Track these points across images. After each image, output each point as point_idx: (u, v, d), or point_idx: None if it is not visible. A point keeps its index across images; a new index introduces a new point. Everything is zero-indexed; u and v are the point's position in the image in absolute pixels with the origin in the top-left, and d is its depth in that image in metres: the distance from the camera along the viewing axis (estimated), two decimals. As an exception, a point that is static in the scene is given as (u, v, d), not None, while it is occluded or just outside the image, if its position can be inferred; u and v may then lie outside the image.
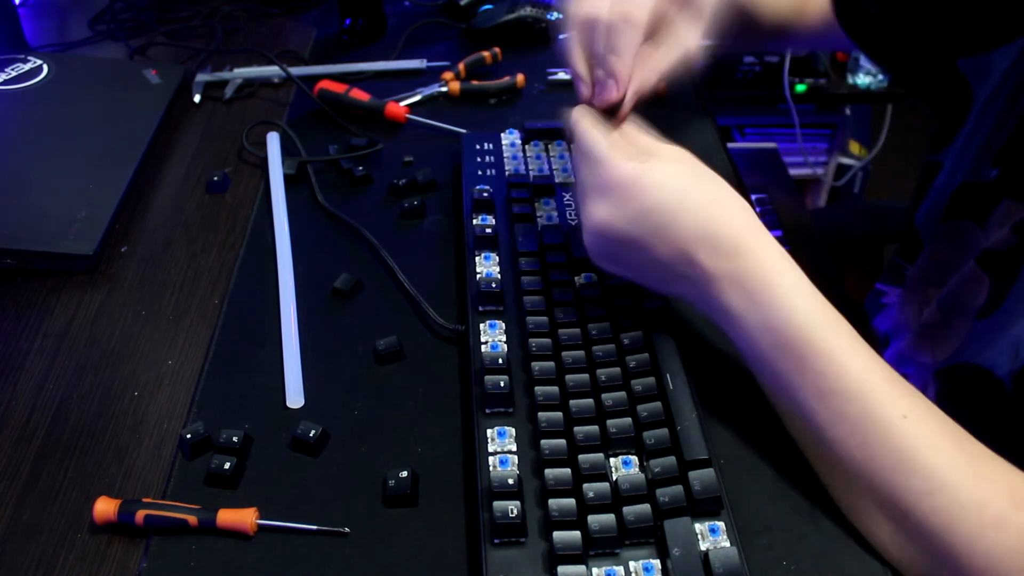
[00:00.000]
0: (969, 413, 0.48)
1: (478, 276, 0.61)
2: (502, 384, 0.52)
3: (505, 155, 0.74)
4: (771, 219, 1.10)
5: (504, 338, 0.57)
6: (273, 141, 0.80)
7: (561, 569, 0.44)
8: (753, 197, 1.12)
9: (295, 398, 0.57)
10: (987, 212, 0.63)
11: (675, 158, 0.52)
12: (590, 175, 0.52)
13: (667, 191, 0.49)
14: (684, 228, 0.49)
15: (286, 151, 0.80)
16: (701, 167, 0.52)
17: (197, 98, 0.90)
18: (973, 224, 0.65)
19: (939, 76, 0.68)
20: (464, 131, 0.79)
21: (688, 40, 0.57)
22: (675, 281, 0.51)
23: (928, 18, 0.65)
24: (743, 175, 0.77)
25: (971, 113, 0.67)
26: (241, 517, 0.49)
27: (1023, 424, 0.48)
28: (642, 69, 0.56)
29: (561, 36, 0.58)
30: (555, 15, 0.98)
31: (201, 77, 0.92)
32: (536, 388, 0.52)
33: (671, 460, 0.49)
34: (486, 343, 0.56)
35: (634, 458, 0.50)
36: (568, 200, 0.68)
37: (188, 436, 0.53)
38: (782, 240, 0.64)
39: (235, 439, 0.53)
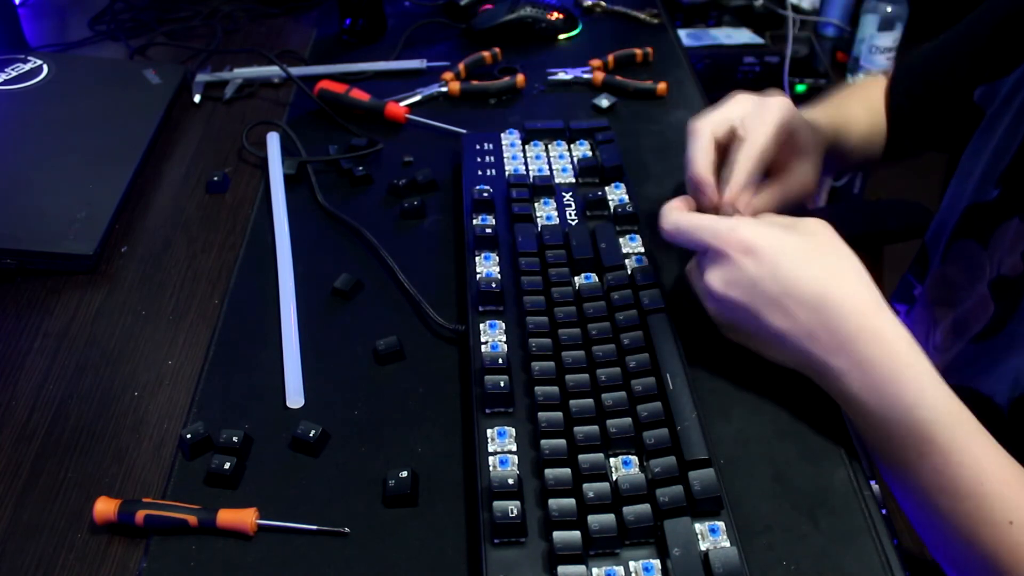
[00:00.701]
0: None
1: (478, 276, 0.61)
2: (502, 384, 0.52)
3: (505, 155, 0.74)
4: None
5: (504, 338, 0.57)
6: (273, 141, 0.80)
7: (561, 569, 0.44)
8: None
9: (295, 398, 0.57)
10: (989, 232, 0.63)
11: (810, 231, 0.51)
12: (711, 244, 0.52)
13: (781, 260, 0.49)
14: (798, 304, 0.49)
15: (286, 151, 0.80)
16: (829, 240, 0.51)
17: (197, 98, 0.90)
18: (976, 244, 0.65)
19: (960, 115, 0.71)
20: (464, 131, 0.79)
21: (803, 179, 0.61)
22: (794, 355, 0.51)
23: (954, 58, 0.71)
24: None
25: (976, 131, 0.68)
26: (241, 517, 0.49)
27: (1019, 450, 0.48)
28: (760, 197, 0.60)
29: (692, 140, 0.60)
30: (556, 15, 0.98)
31: (201, 77, 0.92)
32: (536, 388, 0.52)
33: (671, 460, 0.49)
34: (486, 343, 0.56)
35: (634, 458, 0.50)
36: (568, 200, 0.68)
37: (188, 436, 0.53)
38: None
39: (235, 439, 0.53)
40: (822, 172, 0.64)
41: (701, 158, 0.58)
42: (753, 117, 0.58)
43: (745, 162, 0.57)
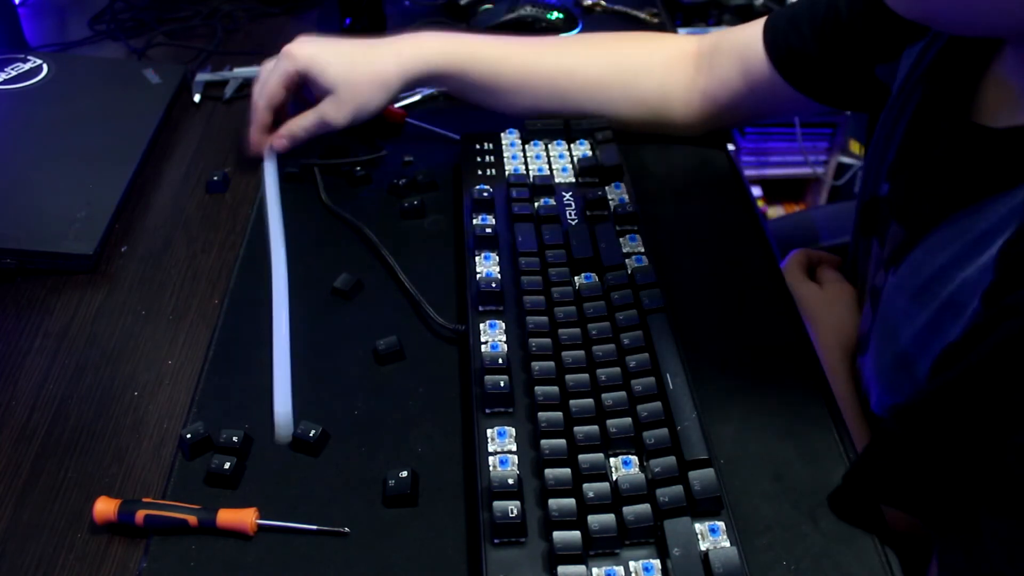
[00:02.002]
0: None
1: (478, 276, 0.61)
2: (502, 384, 0.52)
3: (505, 155, 0.74)
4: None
5: (504, 338, 0.57)
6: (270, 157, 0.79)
7: (561, 569, 0.44)
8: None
9: (283, 433, 0.55)
10: (885, 229, 0.62)
11: (828, 287, 0.73)
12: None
13: (799, 300, 0.67)
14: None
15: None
16: (836, 295, 0.71)
17: (197, 98, 0.90)
18: (877, 241, 0.64)
19: (865, 88, 0.69)
20: (458, 136, 0.79)
21: (326, 112, 0.74)
22: None
23: (852, 32, 0.66)
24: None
25: (881, 116, 0.66)
26: (241, 517, 0.49)
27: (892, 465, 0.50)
28: (283, 128, 0.76)
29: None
30: (556, 14, 0.98)
31: (201, 77, 0.92)
32: (536, 388, 0.52)
33: (671, 460, 0.49)
34: (486, 343, 0.56)
35: (634, 458, 0.50)
36: (568, 200, 0.68)
37: (188, 436, 0.53)
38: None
39: (235, 439, 0.53)
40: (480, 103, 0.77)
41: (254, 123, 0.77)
42: (269, 75, 0.75)
43: (255, 113, 0.76)
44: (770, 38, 0.71)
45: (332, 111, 0.74)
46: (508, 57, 0.76)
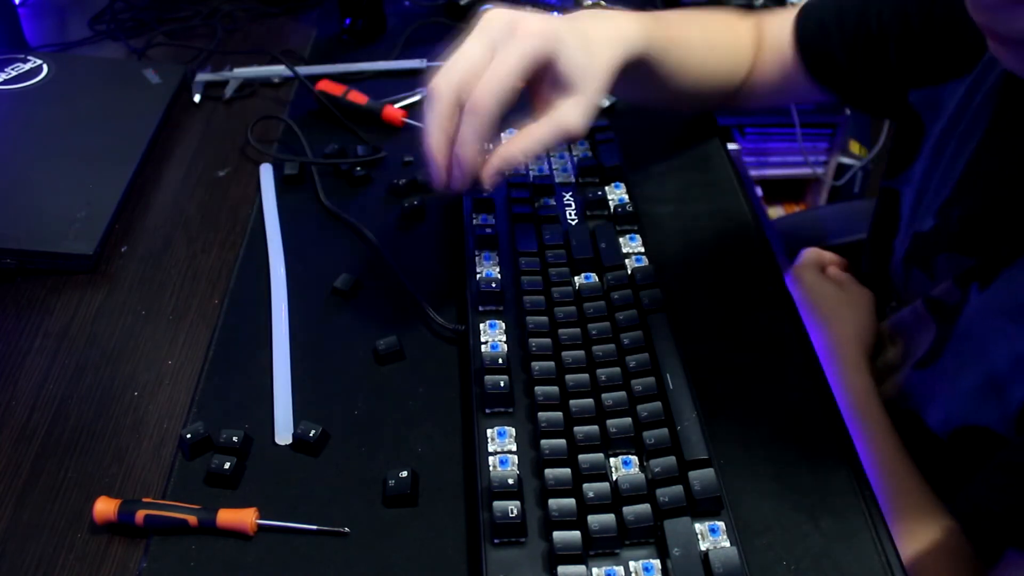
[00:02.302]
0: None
1: (478, 276, 0.61)
2: (502, 384, 0.52)
3: (505, 155, 0.74)
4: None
5: (504, 338, 0.57)
6: (266, 171, 0.79)
7: (561, 569, 0.44)
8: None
9: (284, 435, 0.55)
10: (931, 260, 0.62)
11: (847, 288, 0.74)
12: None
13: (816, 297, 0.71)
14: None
15: (288, 149, 0.80)
16: (856, 297, 0.73)
17: (197, 98, 0.90)
18: (921, 273, 0.65)
19: (894, 108, 0.69)
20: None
21: (565, 119, 0.54)
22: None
23: (888, 51, 0.65)
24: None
25: (923, 147, 0.66)
26: (241, 517, 0.49)
27: (957, 477, 0.53)
28: (508, 145, 0.55)
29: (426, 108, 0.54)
30: (556, 14, 0.98)
31: (201, 77, 0.92)
32: (536, 388, 0.52)
33: (671, 460, 0.49)
34: (486, 343, 0.56)
35: (634, 458, 0.50)
36: (568, 200, 0.68)
37: (188, 436, 0.53)
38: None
39: (235, 439, 0.53)
40: (638, 98, 0.67)
41: (436, 131, 0.53)
42: (495, 59, 0.52)
43: (466, 135, 0.52)
44: (800, 32, 0.70)
45: (572, 114, 0.54)
46: (690, 36, 0.67)
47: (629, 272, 0.60)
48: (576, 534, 0.45)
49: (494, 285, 0.59)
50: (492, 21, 0.53)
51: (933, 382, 0.59)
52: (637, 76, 0.60)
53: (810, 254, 0.79)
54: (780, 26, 0.73)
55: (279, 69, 0.91)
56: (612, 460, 0.50)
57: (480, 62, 0.52)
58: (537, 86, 0.56)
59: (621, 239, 0.64)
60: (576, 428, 0.50)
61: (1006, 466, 0.51)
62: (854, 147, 1.97)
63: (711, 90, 0.72)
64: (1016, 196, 0.55)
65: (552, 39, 0.53)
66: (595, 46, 0.55)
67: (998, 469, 0.51)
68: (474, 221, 0.66)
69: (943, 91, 0.63)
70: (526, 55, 0.52)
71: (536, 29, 0.52)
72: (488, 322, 0.58)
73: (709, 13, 0.73)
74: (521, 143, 0.54)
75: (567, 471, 0.48)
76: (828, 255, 0.79)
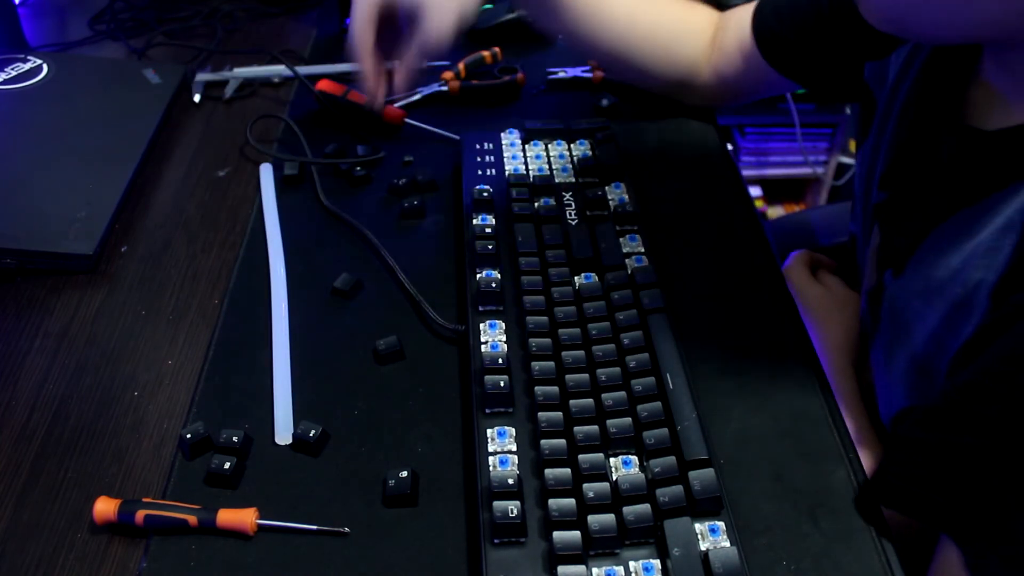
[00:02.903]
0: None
1: (478, 276, 0.61)
2: (502, 384, 0.52)
3: (505, 155, 0.74)
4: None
5: (504, 338, 0.57)
6: (266, 172, 0.79)
7: (561, 569, 0.44)
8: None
9: (284, 435, 0.55)
10: (872, 233, 0.62)
11: (831, 289, 0.74)
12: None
13: (805, 300, 0.72)
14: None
15: (288, 149, 0.80)
16: (843, 300, 0.72)
17: (197, 98, 0.90)
18: (870, 247, 0.64)
19: (852, 90, 0.69)
20: (458, 137, 0.79)
21: (422, 38, 0.67)
22: None
23: (834, 27, 0.67)
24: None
25: (874, 121, 0.66)
26: (241, 517, 0.49)
27: (907, 469, 0.51)
28: (406, 58, 0.70)
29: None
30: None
31: (201, 77, 0.92)
32: (536, 388, 0.52)
33: (671, 460, 0.49)
34: (486, 343, 0.56)
35: (634, 458, 0.50)
36: (568, 200, 0.68)
37: (188, 436, 0.53)
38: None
39: (235, 439, 0.53)
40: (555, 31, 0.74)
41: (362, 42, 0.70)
42: (353, 22, 0.68)
43: (362, 66, 0.71)
44: (757, 21, 0.73)
45: (434, 27, 0.67)
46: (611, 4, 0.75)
47: (629, 272, 0.60)
48: (576, 534, 0.45)
49: (494, 285, 0.59)
50: None
51: (877, 373, 0.60)
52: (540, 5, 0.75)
53: (800, 257, 0.79)
54: (741, 18, 0.75)
55: (279, 69, 0.91)
56: (612, 460, 0.50)
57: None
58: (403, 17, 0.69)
59: (621, 239, 0.64)
60: (576, 428, 0.50)
61: (904, 439, 0.51)
62: (854, 147, 1.98)
63: (640, 66, 0.77)
64: (935, 168, 0.55)
65: None
66: None
67: (898, 442, 0.51)
68: (474, 221, 0.66)
69: (887, 61, 0.64)
70: (363, 10, 0.68)
71: None
72: (488, 322, 0.58)
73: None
74: (402, 64, 0.70)
75: (567, 471, 0.48)
76: (819, 257, 0.79)
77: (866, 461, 0.55)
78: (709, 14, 0.79)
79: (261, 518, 0.50)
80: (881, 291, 0.59)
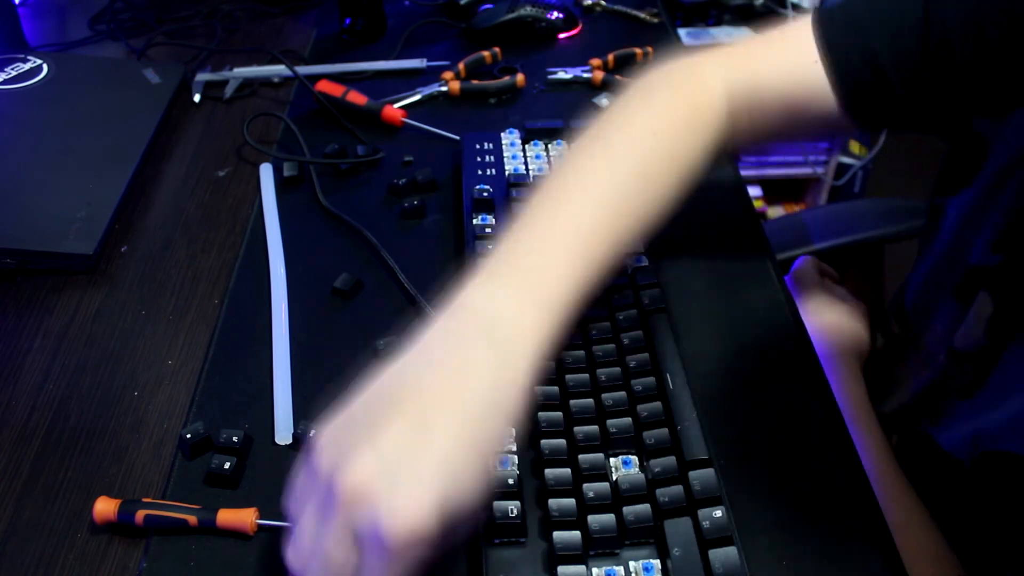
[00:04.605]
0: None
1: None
2: (502, 384, 0.52)
3: (505, 155, 0.74)
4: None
5: (504, 338, 0.57)
6: (266, 171, 0.79)
7: (561, 569, 0.44)
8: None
9: (284, 434, 0.55)
10: (972, 297, 0.58)
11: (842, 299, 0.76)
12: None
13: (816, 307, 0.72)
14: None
15: (287, 149, 0.80)
16: (855, 311, 0.73)
17: (197, 98, 0.90)
18: (956, 303, 0.60)
19: (952, 133, 0.62)
20: (457, 137, 0.79)
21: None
22: None
23: (949, 84, 0.53)
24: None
25: (982, 172, 0.59)
26: (241, 517, 0.49)
27: (977, 502, 0.53)
28: None
29: None
30: (555, 14, 0.98)
31: (201, 77, 0.92)
32: (536, 388, 0.52)
33: (671, 460, 0.48)
34: (486, 343, 0.56)
35: (634, 458, 0.50)
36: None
37: (188, 436, 0.53)
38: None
39: (235, 439, 0.53)
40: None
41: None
42: None
43: None
44: (840, 78, 0.54)
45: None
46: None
47: (629, 272, 0.60)
48: (576, 534, 0.45)
49: (494, 285, 0.59)
50: (351, 504, 0.37)
51: (966, 412, 0.59)
52: None
53: (809, 263, 0.79)
54: (783, 79, 0.57)
55: (279, 69, 0.91)
56: (612, 460, 0.50)
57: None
58: None
59: (621, 239, 0.64)
60: (576, 428, 0.50)
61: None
62: (854, 147, 1.97)
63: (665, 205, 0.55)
64: None
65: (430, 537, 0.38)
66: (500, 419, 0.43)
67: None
68: (474, 221, 0.66)
69: (1012, 119, 0.56)
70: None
71: (414, 531, 0.36)
72: (488, 322, 0.58)
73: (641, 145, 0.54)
74: None
75: (567, 471, 0.48)
76: (824, 266, 0.80)
77: (871, 465, 0.55)
78: (700, 112, 0.57)
79: (261, 518, 0.50)
80: (998, 349, 0.55)
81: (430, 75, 0.91)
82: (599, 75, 0.89)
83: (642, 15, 1.03)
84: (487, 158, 0.74)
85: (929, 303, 0.66)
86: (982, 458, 0.56)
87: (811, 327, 0.68)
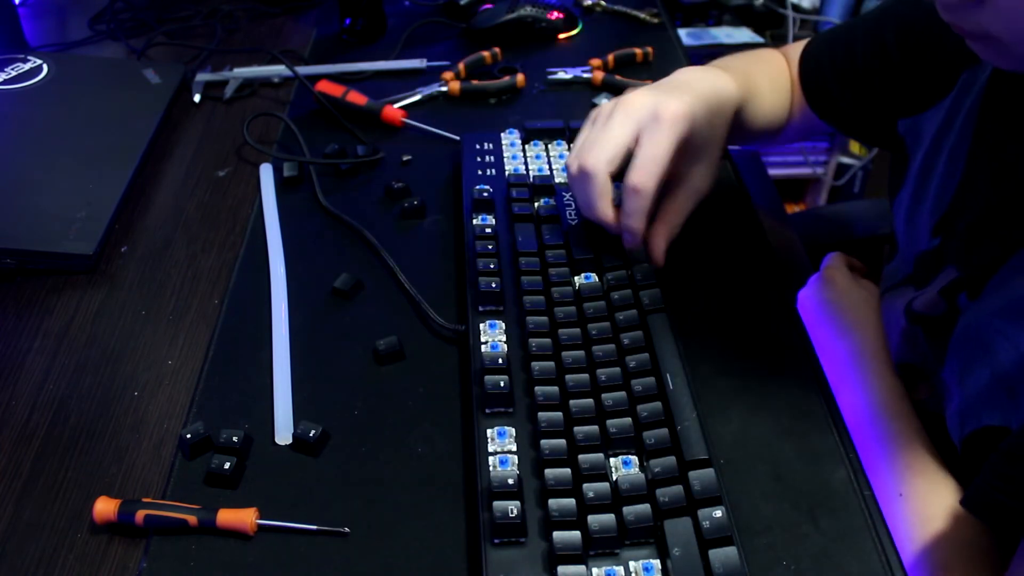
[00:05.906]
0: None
1: (478, 276, 0.61)
2: (502, 384, 0.52)
3: (505, 155, 0.74)
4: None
5: (504, 338, 0.57)
6: (266, 171, 0.79)
7: (561, 569, 0.44)
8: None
9: (284, 434, 0.55)
10: (930, 279, 0.63)
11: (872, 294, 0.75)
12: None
13: (849, 302, 0.72)
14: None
15: (287, 149, 0.80)
16: (875, 301, 0.72)
17: (197, 98, 0.90)
18: (914, 289, 0.65)
19: (885, 138, 0.70)
20: (457, 137, 0.79)
21: (700, 185, 0.61)
22: None
23: (874, 84, 0.68)
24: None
25: (907, 174, 0.67)
26: (241, 517, 0.49)
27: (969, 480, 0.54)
28: (665, 222, 0.61)
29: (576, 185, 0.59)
30: (555, 15, 0.98)
31: (201, 77, 0.92)
32: (536, 388, 0.52)
33: (671, 460, 0.48)
34: (486, 343, 0.56)
35: (634, 458, 0.50)
36: (568, 200, 0.68)
37: (188, 436, 0.53)
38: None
39: (235, 439, 0.53)
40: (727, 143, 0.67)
41: (603, 203, 0.58)
42: (646, 142, 0.56)
43: (634, 211, 0.58)
44: (805, 68, 0.73)
45: (704, 179, 0.61)
46: (761, 85, 0.71)
47: (629, 272, 0.60)
48: (576, 534, 0.45)
49: (494, 285, 0.59)
50: (635, 105, 0.57)
51: (948, 394, 0.60)
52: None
53: (839, 258, 0.79)
54: (792, 60, 0.75)
55: (279, 69, 0.91)
56: (612, 460, 0.50)
57: (628, 143, 0.57)
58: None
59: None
60: (576, 428, 0.50)
61: (1011, 455, 0.51)
62: (854, 147, 1.97)
63: (767, 130, 0.74)
64: (1003, 203, 0.56)
65: (691, 120, 0.57)
66: (715, 117, 0.60)
67: (1003, 458, 0.51)
68: (474, 221, 0.66)
69: (923, 118, 0.65)
70: (675, 139, 0.57)
71: (678, 113, 0.57)
72: (488, 322, 0.58)
73: (764, 58, 0.76)
74: (674, 218, 0.61)
75: (567, 471, 0.48)
76: (852, 260, 0.80)
77: (911, 460, 0.57)
78: (782, 59, 0.77)
79: (261, 518, 0.50)
80: (954, 315, 0.58)
81: (430, 75, 0.91)
82: (599, 75, 0.89)
83: (642, 15, 1.03)
84: (487, 158, 0.74)
85: (895, 299, 0.70)
86: (971, 438, 0.56)
87: (842, 323, 0.70)
